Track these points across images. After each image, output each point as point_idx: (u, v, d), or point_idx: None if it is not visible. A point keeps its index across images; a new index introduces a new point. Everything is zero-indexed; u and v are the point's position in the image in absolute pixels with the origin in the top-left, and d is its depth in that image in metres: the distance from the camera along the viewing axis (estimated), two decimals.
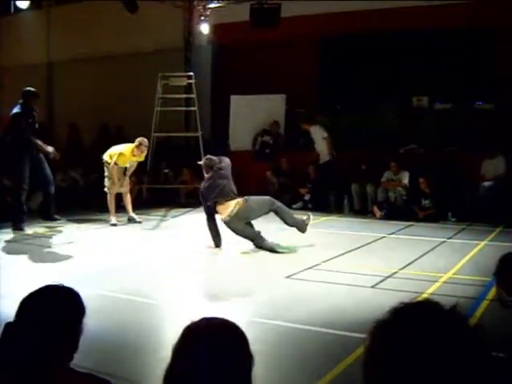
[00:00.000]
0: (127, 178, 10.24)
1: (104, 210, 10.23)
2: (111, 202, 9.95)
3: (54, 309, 2.01)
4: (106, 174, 9.97)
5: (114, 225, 9.82)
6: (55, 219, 9.76)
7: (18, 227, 9.16)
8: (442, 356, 1.02)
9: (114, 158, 9.82)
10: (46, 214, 9.76)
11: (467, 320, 1.09)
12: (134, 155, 9.94)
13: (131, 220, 10.15)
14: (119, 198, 10.23)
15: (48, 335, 1.94)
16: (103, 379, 2.07)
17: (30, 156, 9.22)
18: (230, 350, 1.42)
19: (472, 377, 1.02)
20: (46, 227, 9.53)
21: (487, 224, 9.68)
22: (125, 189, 10.21)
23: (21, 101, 9.32)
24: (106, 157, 9.98)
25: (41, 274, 6.05)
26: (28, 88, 9.50)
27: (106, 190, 9.96)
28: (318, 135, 12.16)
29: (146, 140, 10.03)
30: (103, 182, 10.06)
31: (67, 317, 2.01)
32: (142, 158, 10.25)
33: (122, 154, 9.85)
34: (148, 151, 10.93)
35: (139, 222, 10.06)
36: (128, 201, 10.19)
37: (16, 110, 9.24)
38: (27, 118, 9.22)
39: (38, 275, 5.97)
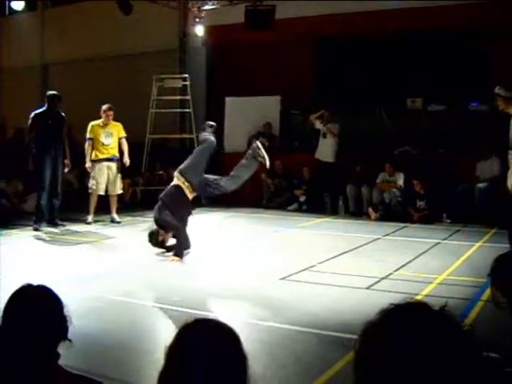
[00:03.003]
0: (119, 181, 10.51)
1: (99, 212, 10.50)
2: (92, 202, 10.34)
3: (28, 311, 2.00)
4: (91, 174, 10.36)
5: (89, 223, 10.17)
6: (58, 224, 9.89)
7: (35, 227, 9.53)
8: (431, 356, 1.01)
9: (88, 135, 10.31)
10: (51, 218, 9.87)
11: (457, 320, 1.09)
12: (104, 124, 10.36)
13: (112, 220, 10.49)
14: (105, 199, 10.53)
15: (28, 337, 1.93)
16: (95, 381, 2.06)
17: (50, 157, 9.62)
18: (224, 351, 1.41)
19: (462, 377, 1.02)
20: (41, 230, 9.50)
21: (482, 225, 9.72)
22: (117, 191, 10.55)
23: (46, 104, 9.85)
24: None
25: (33, 277, 6.02)
26: (51, 91, 10.10)
27: (89, 189, 10.32)
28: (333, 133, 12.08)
29: (110, 105, 10.39)
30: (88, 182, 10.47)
31: (44, 316, 2.00)
32: (119, 126, 10.48)
33: (92, 126, 10.36)
34: (143, 153, 10.89)
35: (118, 222, 10.36)
36: (114, 202, 10.55)
37: (37, 111, 9.78)
38: (47, 120, 9.65)
39: (28, 278, 5.94)
